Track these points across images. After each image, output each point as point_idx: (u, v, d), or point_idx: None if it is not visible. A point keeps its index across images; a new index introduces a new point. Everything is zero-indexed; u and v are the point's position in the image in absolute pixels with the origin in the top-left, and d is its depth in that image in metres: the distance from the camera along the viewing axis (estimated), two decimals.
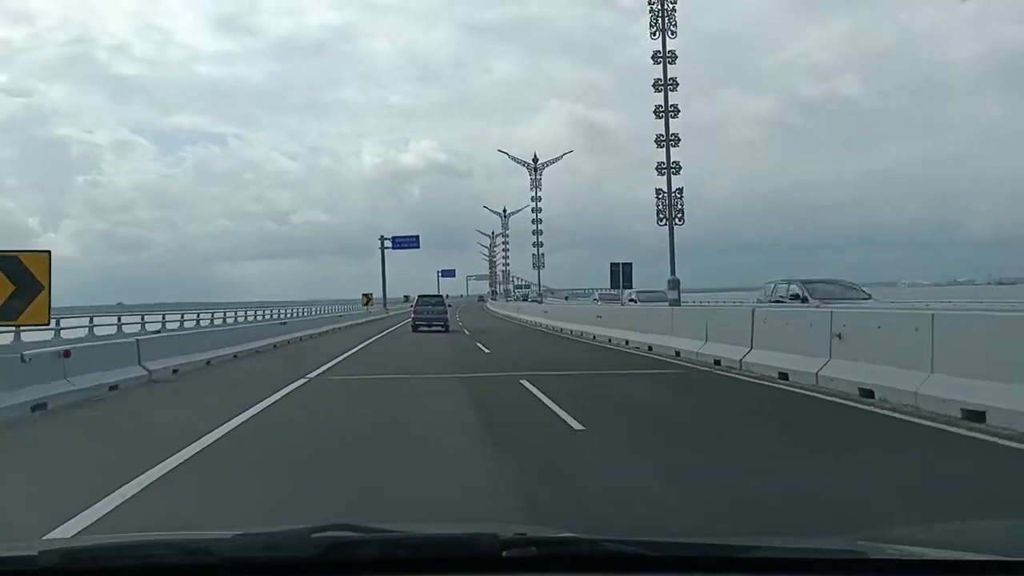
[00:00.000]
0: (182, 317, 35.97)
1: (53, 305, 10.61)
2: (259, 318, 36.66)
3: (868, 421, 8.35)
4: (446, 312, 34.23)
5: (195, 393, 12.27)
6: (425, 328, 31.74)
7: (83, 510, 4.75)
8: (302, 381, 12.82)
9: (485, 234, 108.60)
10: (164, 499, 5.24)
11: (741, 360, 13.57)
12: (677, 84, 22.62)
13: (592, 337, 24.96)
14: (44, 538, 3.77)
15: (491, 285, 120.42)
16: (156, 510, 5.00)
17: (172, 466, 6.13)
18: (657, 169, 22.71)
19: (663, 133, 22.69)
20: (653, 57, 23.00)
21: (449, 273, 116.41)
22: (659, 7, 22.77)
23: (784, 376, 11.91)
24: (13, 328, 14.49)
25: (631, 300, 26.68)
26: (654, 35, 22.83)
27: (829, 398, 9.92)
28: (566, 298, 76.40)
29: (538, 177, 52.63)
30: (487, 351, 20.16)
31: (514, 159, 54.08)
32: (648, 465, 6.24)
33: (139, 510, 4.90)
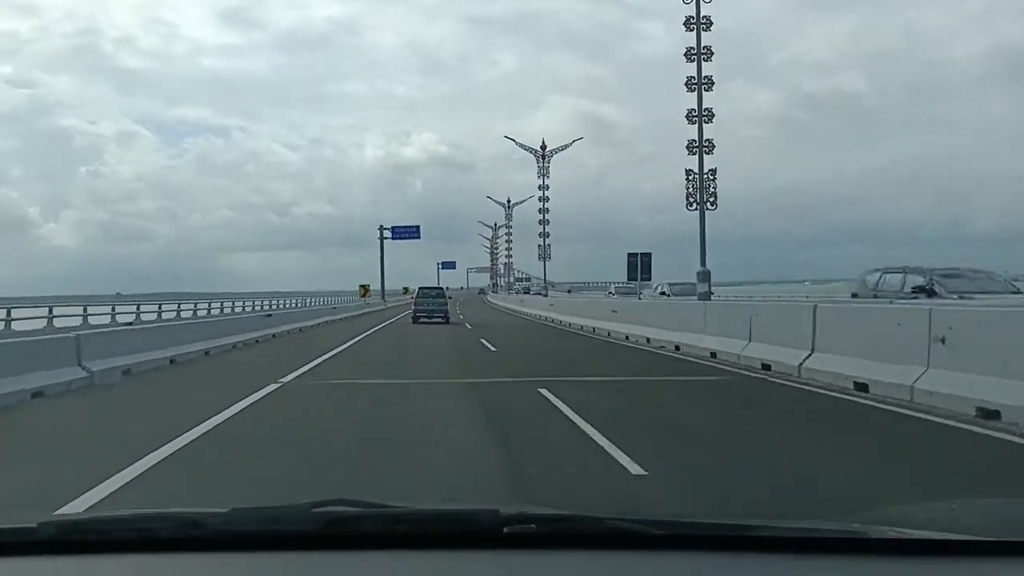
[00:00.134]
0: (174, 307, 33.98)
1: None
2: (246, 309, 34.44)
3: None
4: (446, 304, 34.09)
5: (131, 403, 10.01)
6: (425, 320, 31.56)
7: None
8: (273, 387, 10.60)
9: (488, 225, 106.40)
10: None
11: (800, 366, 11.34)
12: (712, 53, 20.33)
13: (607, 334, 22.77)
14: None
15: (492, 278, 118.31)
16: None
17: None
18: (688, 148, 20.39)
19: (695, 108, 20.31)
20: (686, 23, 20.64)
21: (449, 265, 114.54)
22: None
23: (862, 388, 9.71)
24: None
25: (662, 293, 24.15)
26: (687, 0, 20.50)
27: (945, 421, 7.70)
28: (568, 291, 74.13)
29: (545, 165, 50.39)
30: (493, 349, 17.94)
31: (521, 146, 51.93)
32: None
33: None
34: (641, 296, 26.64)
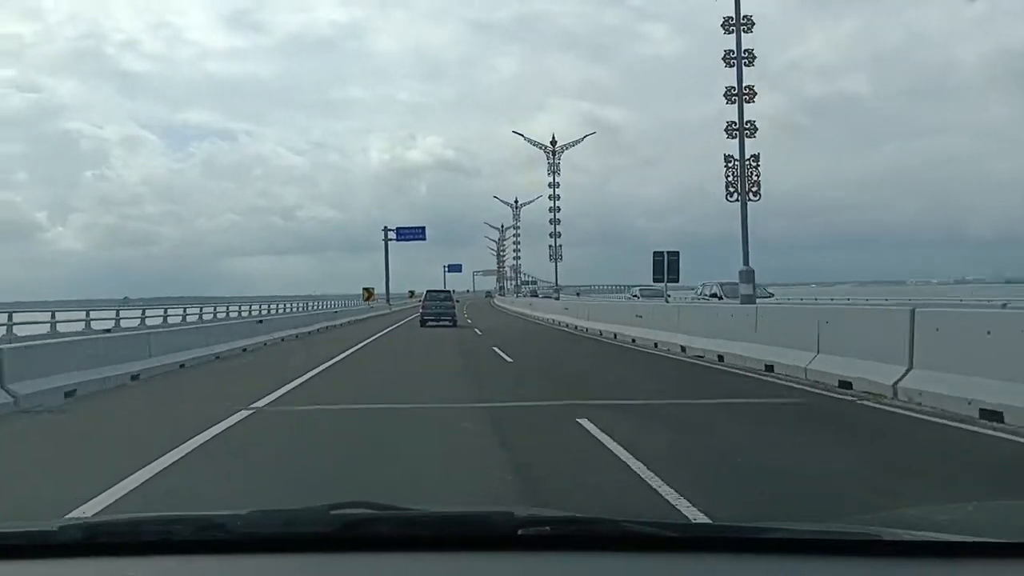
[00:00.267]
0: (170, 312, 31.96)
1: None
2: (241, 315, 32.35)
3: None
4: (454, 307, 34.00)
5: (49, 441, 7.74)
6: (433, 323, 31.42)
7: None
8: (242, 415, 8.46)
9: (494, 227, 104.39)
10: None
11: (895, 385, 9.17)
12: (753, 24, 18.11)
13: (631, 340, 20.63)
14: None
15: (498, 280, 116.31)
16: None
17: None
18: (727, 131, 18.16)
19: (733, 86, 18.08)
20: None
21: (455, 268, 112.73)
22: None
23: (992, 415, 7.55)
24: None
25: (713, 295, 21.59)
26: None
27: None
28: (577, 294, 71.98)
29: (556, 161, 48.13)
30: (508, 359, 15.79)
31: (531, 141, 49.70)
32: None
33: None
34: (668, 299, 24.40)
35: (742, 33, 18.37)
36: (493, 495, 5.07)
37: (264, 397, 9.80)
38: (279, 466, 6.22)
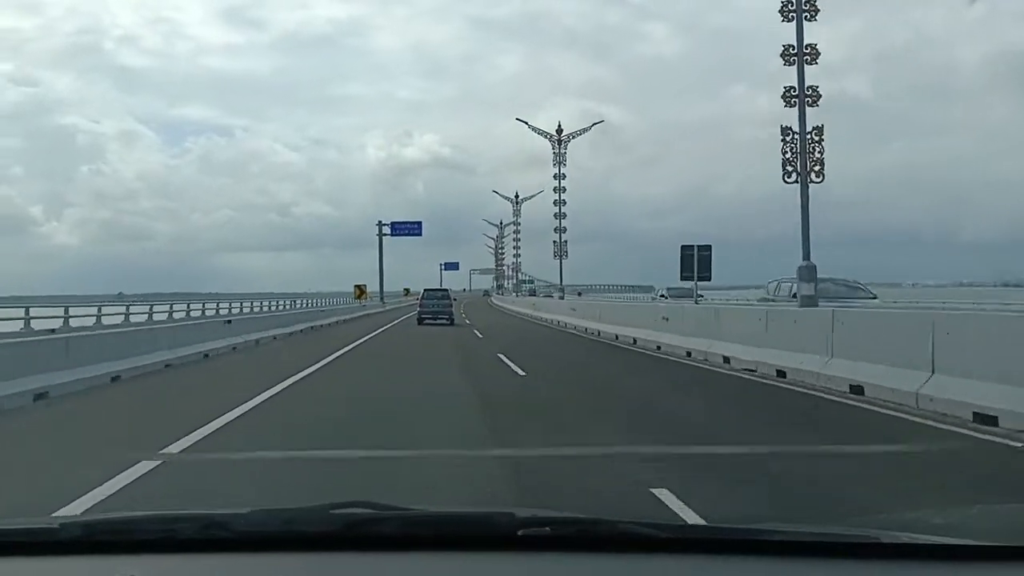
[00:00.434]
0: (143, 309, 29.15)
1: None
2: (220, 312, 29.48)
3: None
4: (451, 306, 34.08)
5: None
6: (430, 321, 31.52)
7: None
8: (145, 467, 5.66)
9: (493, 224, 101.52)
10: None
11: None
12: None
13: (656, 347, 17.90)
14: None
15: (497, 279, 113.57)
16: None
17: None
18: (784, 98, 15.29)
19: (793, 45, 15.16)
20: None
21: (452, 266, 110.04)
22: None
23: None
24: None
25: (793, 296, 18.13)
26: None
27: None
28: (579, 294, 69.33)
29: (562, 152, 45.24)
30: (520, 372, 12.98)
31: (535, 129, 46.76)
32: None
33: None
34: (699, 299, 21.57)
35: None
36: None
37: (189, 434, 6.99)
38: None
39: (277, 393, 10.35)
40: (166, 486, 5.39)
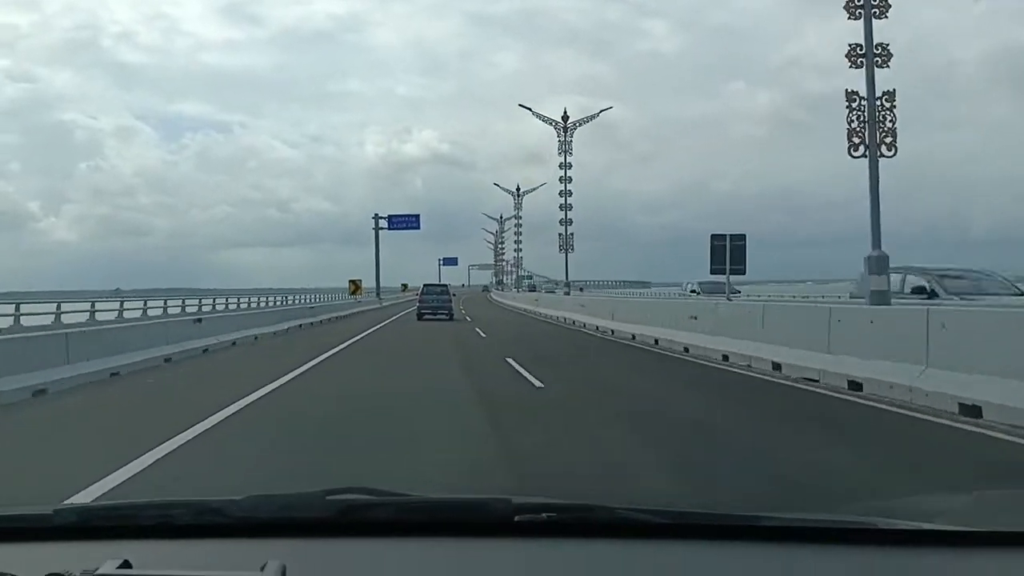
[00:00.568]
0: (116, 304, 26.94)
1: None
2: (202, 309, 27.19)
3: None
4: (450, 301, 33.98)
5: None
6: (430, 316, 31.64)
7: None
8: None
9: (492, 218, 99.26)
10: None
11: None
12: None
13: (683, 349, 15.71)
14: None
15: (497, 274, 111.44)
16: None
17: None
18: (850, 58, 12.87)
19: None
20: None
21: (451, 261, 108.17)
22: None
23: None
24: None
25: (916, 291, 15.46)
26: None
27: None
28: (581, 290, 67.20)
29: (568, 140, 42.81)
30: (536, 382, 10.71)
31: (539, 116, 44.25)
32: None
33: None
34: (731, 296, 19.21)
35: None
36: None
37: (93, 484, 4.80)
38: None
39: (246, 407, 8.12)
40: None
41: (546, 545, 1.47)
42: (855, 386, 9.86)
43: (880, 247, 12.87)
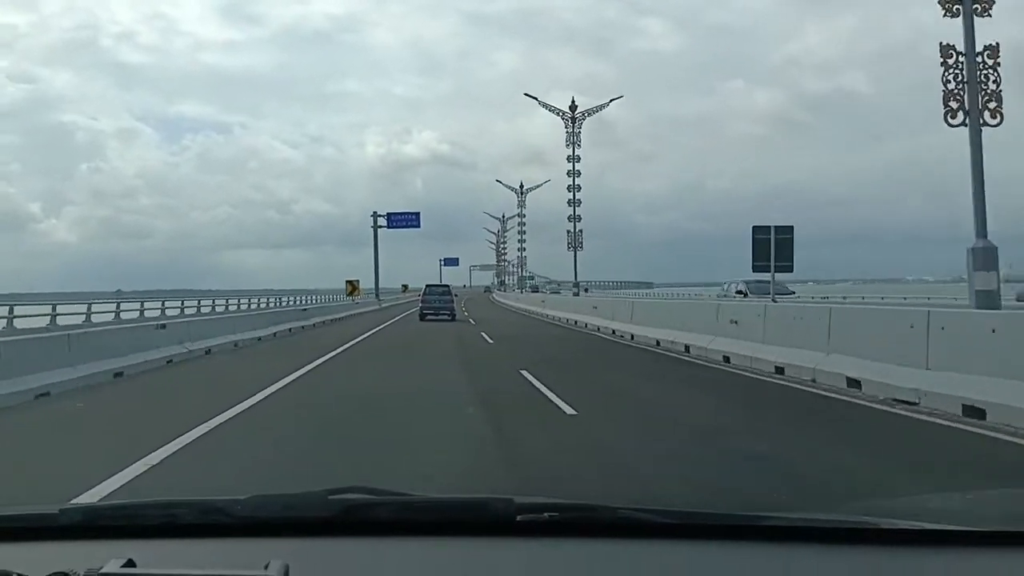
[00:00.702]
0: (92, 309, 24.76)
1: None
2: (199, 310, 24.93)
3: None
4: (452, 302, 34.00)
5: None
6: (432, 316, 31.73)
7: None
8: None
9: (495, 217, 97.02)
10: None
11: None
12: None
13: (723, 359, 13.56)
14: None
15: (499, 275, 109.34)
16: None
17: None
18: (943, 4, 10.61)
19: None
20: None
21: (452, 262, 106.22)
22: None
23: None
24: None
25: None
26: None
27: None
28: (586, 290, 65.14)
29: (576, 131, 40.40)
30: (570, 410, 8.40)
31: (545, 106, 41.75)
32: None
33: None
34: (778, 298, 16.85)
35: None
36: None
37: None
38: None
39: (194, 442, 5.88)
40: None
41: (548, 545, 1.47)
42: (973, 412, 7.69)
43: (986, 236, 10.54)
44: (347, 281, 43.61)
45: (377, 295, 55.94)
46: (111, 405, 9.57)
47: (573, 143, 39.80)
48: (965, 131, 10.60)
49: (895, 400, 8.79)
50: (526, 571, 1.43)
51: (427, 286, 35.72)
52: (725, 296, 23.87)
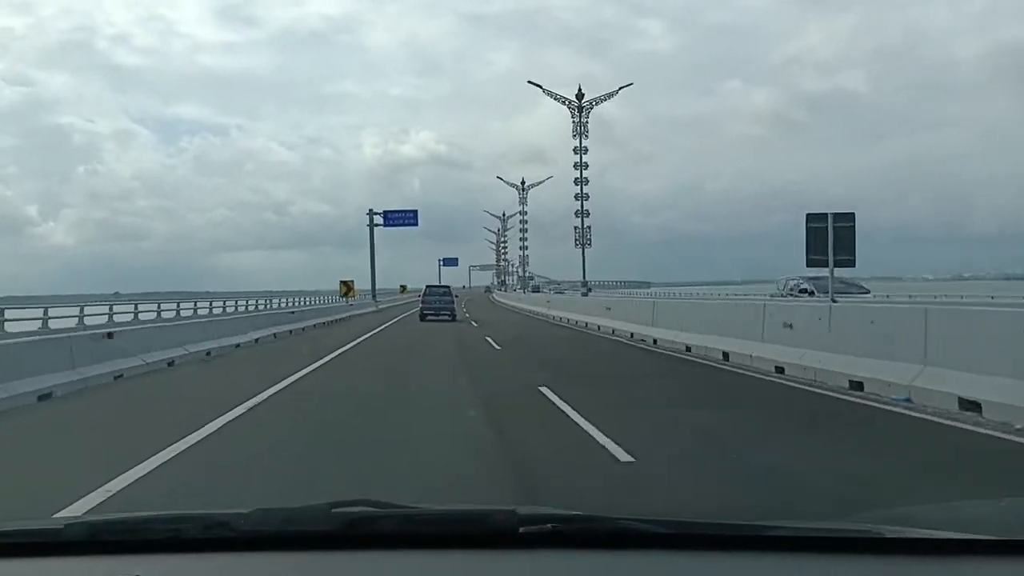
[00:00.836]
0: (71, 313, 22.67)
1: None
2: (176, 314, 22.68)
3: None
4: (453, 302, 33.67)
5: None
6: (432, 317, 31.48)
7: None
8: None
9: (495, 216, 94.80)
10: None
11: None
12: None
13: (774, 369, 11.50)
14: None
15: (499, 275, 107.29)
16: None
17: None
18: None
19: None
20: None
21: (451, 262, 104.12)
22: None
23: None
24: None
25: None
26: None
27: None
28: (590, 290, 62.86)
29: (583, 121, 38.03)
30: (627, 455, 6.14)
31: (550, 94, 39.40)
32: None
33: None
34: (837, 299, 14.45)
35: None
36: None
37: None
38: None
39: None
40: None
41: (550, 556, 1.46)
42: None
43: None
44: (341, 281, 41.35)
45: (374, 296, 53.71)
46: (18, 438, 7.37)
47: (580, 133, 37.53)
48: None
49: None
50: None
51: (427, 287, 35.64)
52: (781, 295, 21.12)
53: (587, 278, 43.29)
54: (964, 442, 6.55)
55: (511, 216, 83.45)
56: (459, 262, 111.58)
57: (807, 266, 13.71)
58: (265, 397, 9.37)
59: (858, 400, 8.95)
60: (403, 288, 78.10)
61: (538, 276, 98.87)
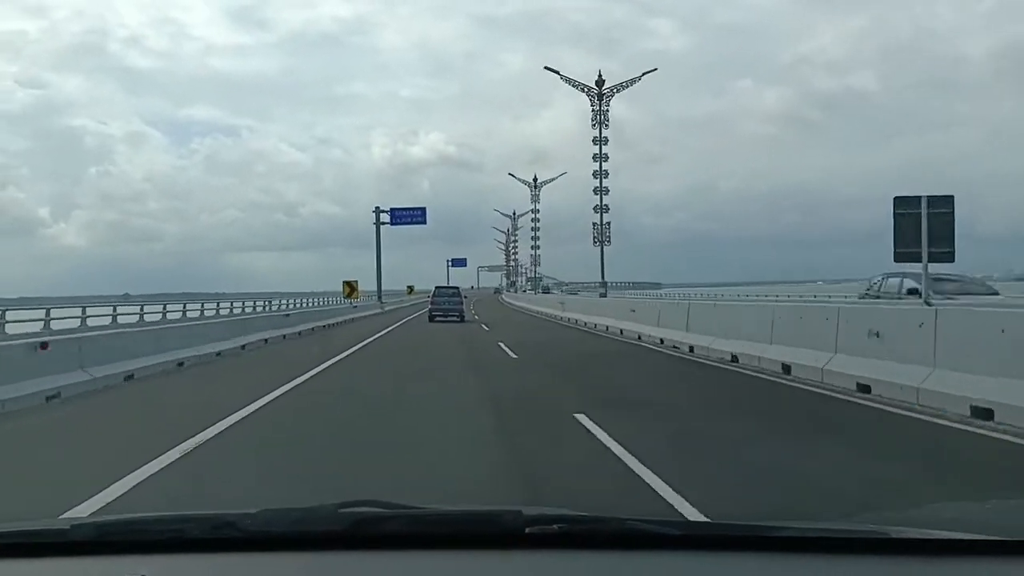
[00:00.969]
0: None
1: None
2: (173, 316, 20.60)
3: None
4: (461, 303, 33.52)
5: None
6: (441, 318, 31.42)
7: None
8: None
9: (505, 215, 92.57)
10: None
11: None
12: None
13: (855, 387, 9.47)
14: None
15: (508, 276, 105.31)
16: None
17: None
18: None
19: None
20: None
21: (460, 262, 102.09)
22: None
23: None
24: None
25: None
26: None
27: None
28: (604, 292, 60.76)
29: (603, 108, 35.68)
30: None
31: (567, 79, 36.93)
32: None
33: None
34: (930, 300, 12.05)
35: None
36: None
37: None
38: None
39: None
40: None
41: (557, 557, 1.45)
42: None
43: None
44: (344, 282, 39.20)
45: (380, 297, 51.58)
46: None
47: (600, 122, 35.15)
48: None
49: None
50: None
51: (437, 288, 35.57)
52: (871, 294, 18.26)
53: (599, 279, 40.98)
54: None
55: (522, 215, 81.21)
56: (468, 263, 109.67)
57: (895, 260, 11.35)
58: (295, 386, 7.19)
59: (988, 433, 6.76)
60: (410, 289, 75.98)
61: (546, 277, 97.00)
